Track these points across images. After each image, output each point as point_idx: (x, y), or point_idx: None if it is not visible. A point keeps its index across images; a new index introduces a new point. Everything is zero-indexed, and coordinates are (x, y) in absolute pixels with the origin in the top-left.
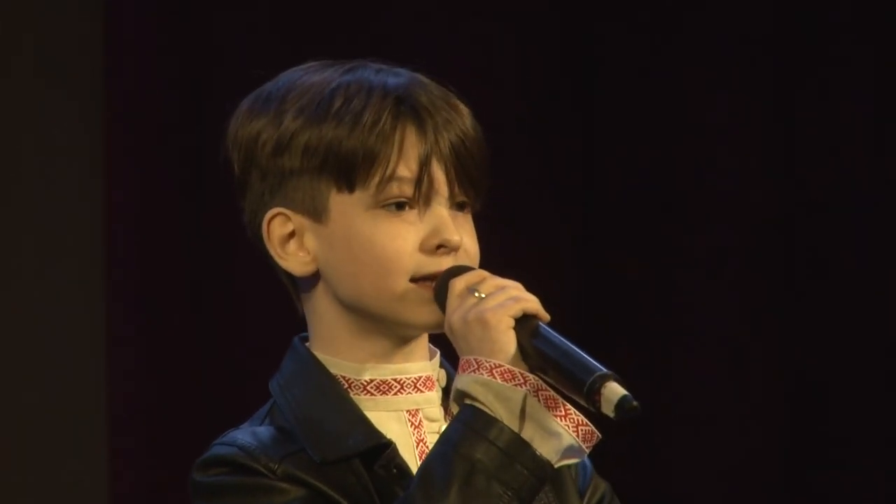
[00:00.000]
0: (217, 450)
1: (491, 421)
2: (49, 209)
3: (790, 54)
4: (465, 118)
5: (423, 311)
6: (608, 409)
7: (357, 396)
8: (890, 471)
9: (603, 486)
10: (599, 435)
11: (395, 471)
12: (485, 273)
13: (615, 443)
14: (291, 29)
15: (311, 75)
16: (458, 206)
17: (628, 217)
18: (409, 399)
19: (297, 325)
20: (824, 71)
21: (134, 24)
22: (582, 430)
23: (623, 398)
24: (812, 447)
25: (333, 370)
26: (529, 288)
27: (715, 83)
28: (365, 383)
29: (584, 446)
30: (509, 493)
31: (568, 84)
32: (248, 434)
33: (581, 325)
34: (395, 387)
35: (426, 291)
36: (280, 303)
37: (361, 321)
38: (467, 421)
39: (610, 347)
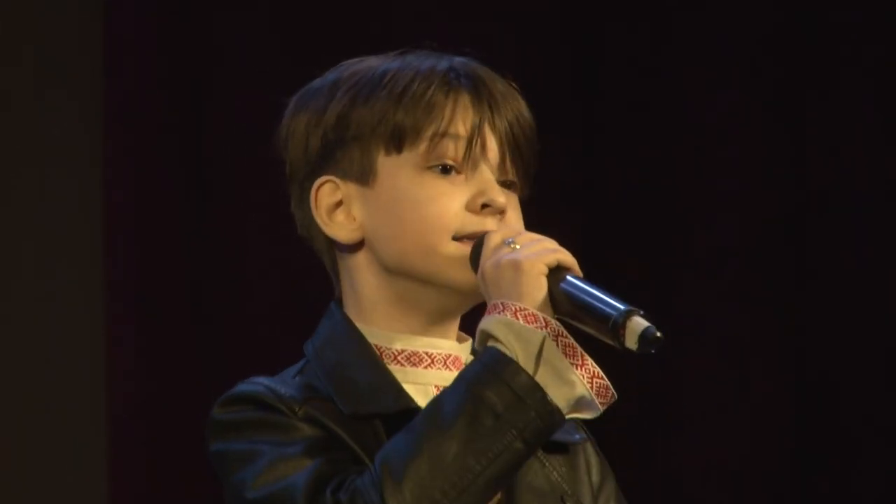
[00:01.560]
0: (241, 387)
1: (507, 361)
2: (49, 209)
3: (791, 54)
4: (520, 101)
5: (462, 273)
6: (632, 342)
7: (389, 366)
8: (893, 470)
9: (612, 485)
10: (615, 393)
11: (395, 433)
12: (520, 229)
13: (616, 442)
14: (291, 29)
15: (358, 65)
16: (505, 185)
17: (629, 217)
18: (438, 375)
19: (297, 326)
20: (826, 70)
21: (134, 24)
22: (597, 382)
23: (647, 329)
24: (816, 447)
25: (368, 338)
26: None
27: (715, 83)
28: (396, 352)
29: (597, 401)
30: (513, 432)
31: (568, 84)
32: (273, 379)
33: None
34: (426, 360)
35: (467, 249)
36: (280, 304)
37: (402, 289)
38: (485, 360)
39: (610, 347)
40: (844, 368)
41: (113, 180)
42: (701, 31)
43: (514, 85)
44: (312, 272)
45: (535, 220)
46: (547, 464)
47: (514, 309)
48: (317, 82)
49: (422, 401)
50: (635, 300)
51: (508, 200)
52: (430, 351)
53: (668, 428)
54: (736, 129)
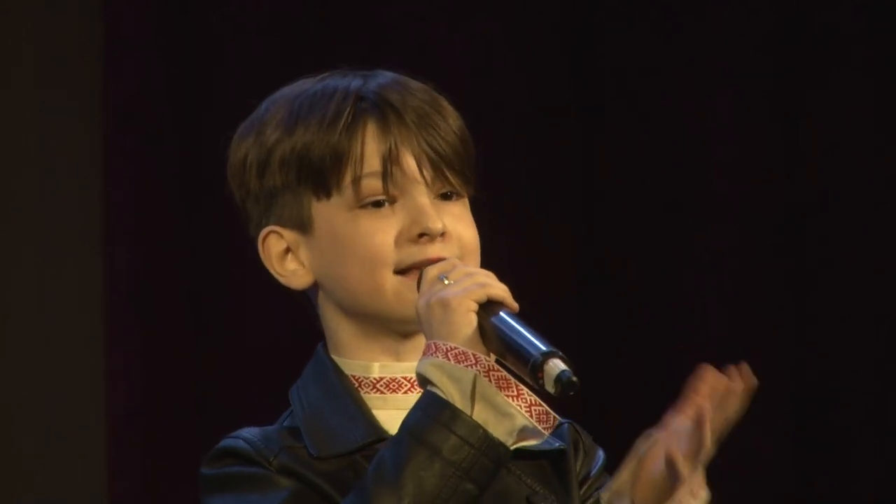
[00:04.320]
0: (224, 443)
1: (443, 404)
2: (49, 209)
3: (791, 54)
4: (443, 111)
5: (410, 305)
6: (549, 385)
7: (367, 395)
8: (893, 469)
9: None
10: (556, 416)
11: None
12: (457, 262)
13: (617, 443)
14: (291, 29)
15: (288, 91)
16: (443, 196)
17: (628, 217)
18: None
19: (296, 325)
20: (825, 70)
21: (134, 24)
22: (535, 409)
23: (561, 373)
24: (815, 447)
25: (346, 370)
26: (529, 289)
27: (715, 83)
28: (374, 381)
29: (540, 427)
30: (458, 474)
31: (568, 83)
32: (255, 430)
33: (582, 325)
34: (405, 385)
35: (411, 281)
36: (278, 304)
37: (363, 323)
38: (422, 405)
39: (611, 348)
40: (844, 368)
41: (113, 180)
42: (700, 31)
43: (434, 92)
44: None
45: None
46: (512, 468)
47: (444, 349)
48: (253, 114)
49: (399, 426)
50: (636, 300)
51: (450, 212)
52: (408, 376)
53: None
54: (736, 129)
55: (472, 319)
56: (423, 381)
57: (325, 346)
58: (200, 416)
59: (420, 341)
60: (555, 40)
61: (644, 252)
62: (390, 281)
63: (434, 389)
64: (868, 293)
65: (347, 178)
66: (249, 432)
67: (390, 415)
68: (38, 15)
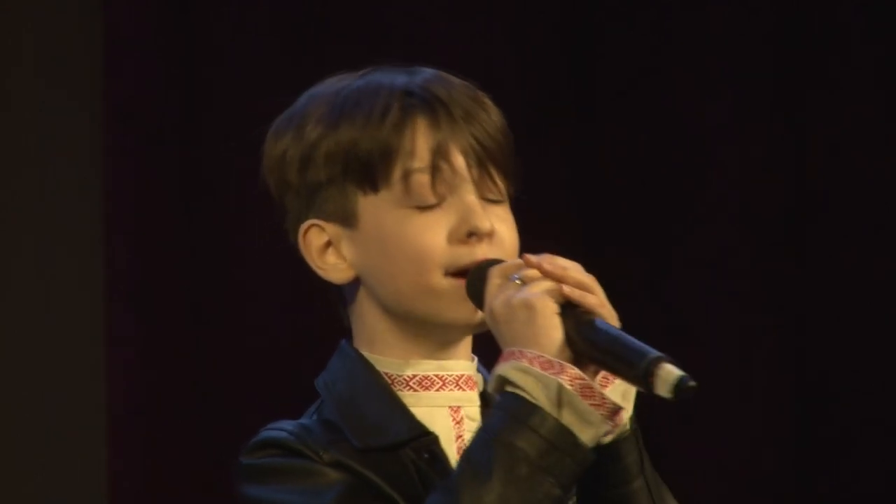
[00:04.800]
0: (267, 434)
1: (532, 408)
2: (49, 208)
3: (791, 54)
4: (488, 109)
5: (461, 308)
6: (664, 391)
7: (400, 392)
8: (893, 470)
9: None
10: (628, 425)
11: (426, 455)
12: (522, 262)
13: None
14: (291, 29)
15: (328, 87)
16: (490, 200)
17: (628, 217)
18: (451, 396)
19: (296, 325)
20: (826, 70)
21: (134, 24)
22: (617, 418)
23: (680, 379)
24: (815, 447)
25: (378, 367)
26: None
27: (715, 82)
28: (407, 378)
29: (616, 431)
30: (550, 480)
31: (568, 83)
32: (296, 424)
33: None
34: (437, 383)
35: (460, 287)
36: (278, 304)
37: (404, 324)
38: (508, 408)
39: None
40: (844, 368)
41: (113, 180)
42: (700, 31)
43: (477, 91)
44: (312, 272)
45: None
46: None
47: (529, 356)
48: (291, 108)
49: (438, 422)
50: (637, 300)
51: (495, 213)
52: (440, 373)
53: (669, 428)
54: (736, 129)
55: (558, 322)
56: (503, 382)
57: (349, 340)
58: (201, 416)
59: (458, 346)
60: (555, 40)
61: (644, 252)
62: (441, 283)
63: (519, 392)
64: (868, 293)
65: (397, 173)
66: (291, 424)
67: (422, 412)
68: (38, 15)
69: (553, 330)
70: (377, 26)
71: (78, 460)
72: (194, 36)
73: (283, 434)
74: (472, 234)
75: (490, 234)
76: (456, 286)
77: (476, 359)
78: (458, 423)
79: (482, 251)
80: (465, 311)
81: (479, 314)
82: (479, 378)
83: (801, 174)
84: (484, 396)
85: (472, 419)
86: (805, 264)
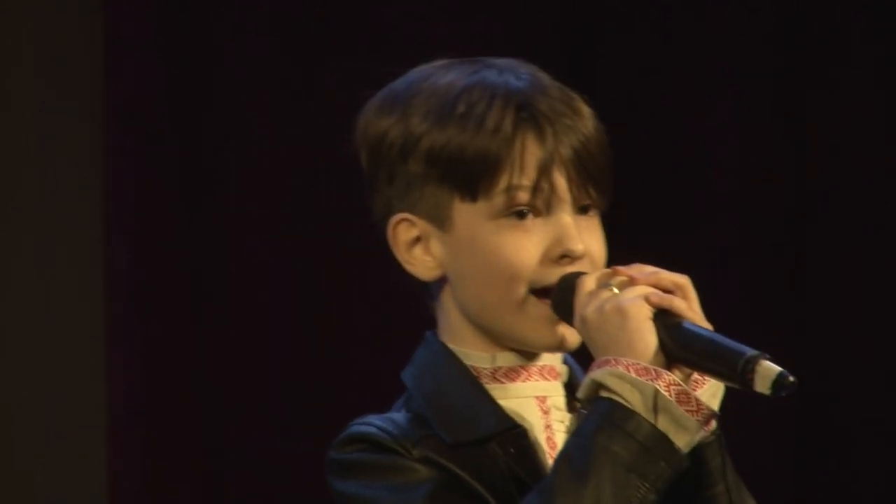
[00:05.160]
0: (356, 428)
1: (629, 414)
2: (49, 209)
3: (791, 54)
4: (586, 120)
5: (542, 330)
6: (764, 387)
7: (487, 385)
8: (893, 470)
9: None
10: (717, 429)
11: (512, 450)
12: (613, 271)
13: None
14: (291, 29)
15: (438, 77)
16: (581, 210)
17: (628, 217)
18: (537, 386)
19: (297, 325)
20: (826, 70)
21: (134, 24)
22: (711, 424)
23: (780, 374)
24: (815, 447)
25: (465, 361)
26: None
27: (715, 82)
28: (493, 371)
29: (708, 437)
30: (646, 486)
31: (568, 83)
32: (384, 419)
33: None
34: (523, 374)
35: (545, 308)
36: (279, 302)
37: (485, 331)
38: (604, 413)
39: None
40: (844, 368)
41: (113, 180)
42: (700, 31)
43: (578, 100)
44: (312, 272)
45: None
46: None
47: (625, 363)
48: (397, 87)
49: (525, 412)
50: None
51: (586, 228)
52: (524, 364)
53: None
54: (736, 129)
55: (651, 328)
56: (597, 387)
57: (436, 334)
58: (201, 416)
59: (539, 359)
60: (555, 40)
61: (644, 252)
62: (524, 298)
63: (615, 398)
64: (868, 293)
65: (500, 186)
66: (379, 419)
67: (511, 403)
68: (38, 15)
69: (647, 335)
70: (377, 26)
71: (78, 460)
72: (194, 36)
73: (372, 429)
74: (565, 257)
75: (582, 257)
76: (539, 305)
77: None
78: (545, 412)
79: (570, 270)
80: (546, 336)
81: (559, 337)
82: (563, 370)
83: (801, 174)
84: (569, 388)
85: (559, 409)
86: (805, 264)
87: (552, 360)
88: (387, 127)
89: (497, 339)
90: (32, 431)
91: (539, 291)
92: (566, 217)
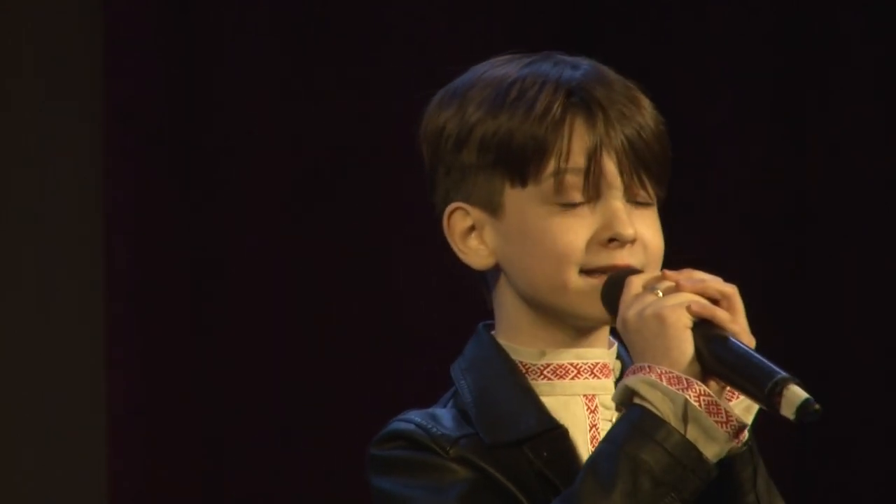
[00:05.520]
0: (395, 426)
1: (659, 423)
2: (49, 209)
3: (791, 54)
4: (644, 111)
5: (594, 306)
6: (789, 412)
7: (535, 382)
8: (893, 470)
9: None
10: (750, 440)
11: (545, 454)
12: (662, 275)
13: None
14: (291, 29)
15: (496, 69)
16: (637, 203)
17: None
18: (586, 384)
19: (296, 325)
20: (826, 70)
21: (134, 24)
22: (742, 436)
23: (805, 401)
24: (814, 448)
25: (513, 356)
26: None
27: (715, 82)
28: (542, 368)
29: (738, 448)
30: (672, 495)
31: None
32: (426, 415)
33: None
34: (572, 371)
35: (597, 283)
36: (279, 302)
37: (541, 314)
38: (634, 421)
39: None
40: (844, 368)
41: (113, 180)
42: (700, 31)
43: (637, 91)
44: (312, 272)
45: None
46: None
47: (658, 371)
48: (457, 82)
49: (572, 411)
50: None
51: (640, 218)
52: (575, 362)
53: None
54: (736, 129)
55: (689, 337)
56: (630, 394)
57: (486, 326)
58: (201, 416)
59: (595, 334)
60: (555, 40)
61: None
62: (575, 281)
63: (647, 406)
64: (868, 293)
65: (549, 170)
66: (420, 416)
67: (557, 401)
68: (38, 15)
69: (684, 343)
70: (377, 26)
71: (78, 460)
72: (194, 36)
73: (411, 427)
74: (614, 240)
75: (633, 241)
76: (591, 285)
77: (616, 344)
78: (592, 411)
79: (622, 256)
80: (596, 309)
81: (607, 315)
82: (616, 365)
83: (801, 174)
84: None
85: (607, 407)
86: (805, 264)
87: (607, 358)
88: (444, 120)
89: (551, 320)
90: (32, 431)
91: (588, 271)
92: (616, 202)
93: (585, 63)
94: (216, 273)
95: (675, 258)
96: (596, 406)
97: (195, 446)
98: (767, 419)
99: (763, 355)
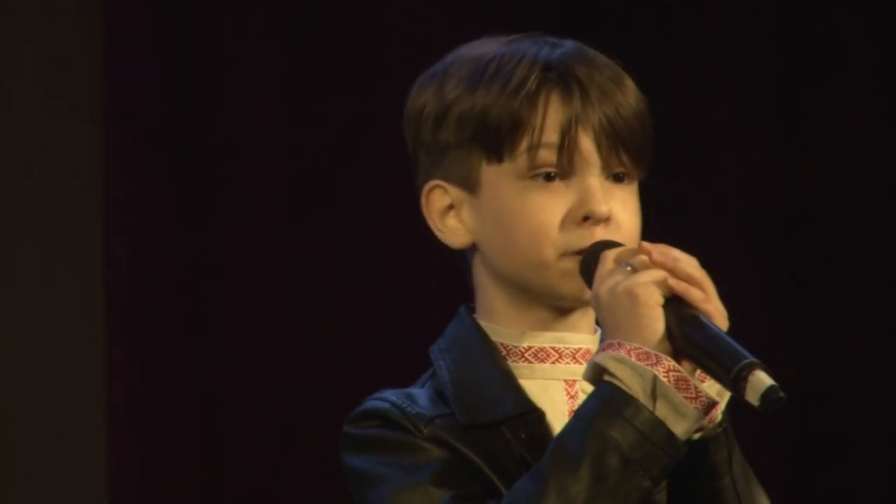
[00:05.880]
0: (370, 404)
1: (628, 399)
2: (49, 209)
3: (791, 54)
4: (626, 90)
5: (572, 283)
6: (753, 398)
7: (515, 364)
8: (893, 470)
9: None
10: (724, 422)
11: (523, 436)
12: (637, 249)
13: None
14: (291, 29)
15: (476, 48)
16: (615, 178)
17: None
18: (567, 369)
19: (296, 325)
20: (826, 70)
21: (134, 24)
22: (712, 413)
23: (770, 388)
24: (814, 448)
25: (494, 337)
26: None
27: (715, 82)
28: (523, 350)
29: (710, 427)
30: (641, 473)
31: None
32: (402, 394)
33: None
34: (553, 355)
35: (574, 264)
36: (278, 302)
37: (518, 292)
38: (603, 398)
39: None
40: (844, 368)
41: (113, 180)
42: (700, 31)
43: (619, 71)
44: (311, 272)
45: None
46: None
47: (628, 347)
48: (438, 65)
49: (552, 395)
50: None
51: (617, 196)
52: (557, 346)
53: None
54: (736, 129)
55: (660, 314)
56: (600, 371)
57: (468, 308)
58: (201, 416)
59: (577, 317)
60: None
61: None
62: (554, 260)
63: (615, 382)
64: (868, 293)
65: (523, 146)
66: (395, 395)
67: (537, 385)
68: (38, 15)
69: (654, 321)
70: (377, 26)
71: (78, 460)
72: (194, 36)
73: (386, 405)
74: (589, 218)
75: (607, 219)
76: (569, 264)
77: (599, 331)
78: (572, 397)
79: (598, 234)
80: (577, 287)
81: (589, 292)
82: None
83: (801, 174)
84: None
85: (587, 393)
86: (805, 264)
87: (590, 343)
88: (424, 101)
89: (529, 300)
90: (32, 431)
91: (571, 254)
92: (592, 179)
93: (569, 42)
94: (216, 273)
95: None
96: (576, 392)
97: (195, 446)
98: (764, 420)
99: (735, 339)
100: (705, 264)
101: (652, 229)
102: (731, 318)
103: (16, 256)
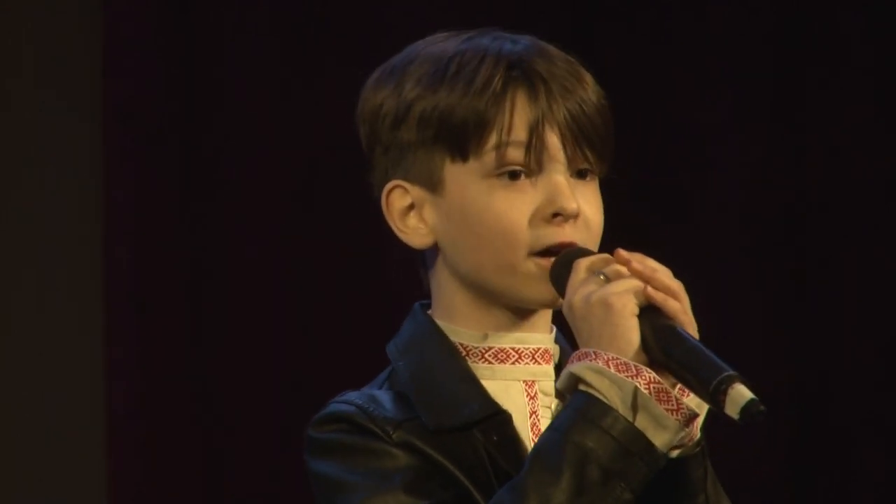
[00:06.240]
0: (335, 407)
1: (605, 409)
2: (49, 209)
3: (791, 53)
4: (586, 86)
5: (541, 288)
6: (733, 411)
7: (475, 364)
8: (892, 470)
9: None
10: (702, 441)
11: (495, 438)
12: (610, 258)
13: None
14: (291, 29)
15: (433, 46)
16: (579, 174)
17: (627, 217)
18: (527, 370)
19: (296, 325)
20: (825, 70)
21: (134, 24)
22: (693, 424)
23: (750, 402)
24: (814, 448)
25: (453, 338)
26: None
27: (715, 82)
28: (483, 351)
29: (692, 441)
30: (621, 484)
31: None
32: (365, 396)
33: None
34: (514, 356)
35: (546, 265)
36: (278, 302)
37: (480, 293)
38: (580, 408)
39: None
40: (844, 368)
41: (113, 180)
42: (700, 31)
43: (578, 66)
44: (312, 272)
45: None
46: None
47: (605, 358)
48: (393, 61)
49: (511, 396)
50: None
51: (582, 193)
52: (517, 346)
53: None
54: (736, 129)
55: (635, 324)
56: (575, 381)
57: (423, 306)
58: (201, 416)
59: (537, 317)
60: (555, 40)
61: (643, 252)
62: (524, 264)
63: (592, 392)
64: (868, 293)
65: (490, 144)
66: (360, 397)
67: (498, 385)
68: (38, 15)
69: (629, 331)
70: (377, 26)
71: (78, 460)
72: (194, 36)
73: (352, 409)
74: (558, 215)
75: (576, 216)
76: (538, 267)
77: (555, 329)
78: (531, 397)
79: (567, 232)
80: (543, 292)
81: (554, 294)
82: (556, 349)
83: (801, 174)
84: (559, 370)
85: (546, 394)
86: (805, 264)
87: (548, 343)
88: (382, 99)
89: (491, 302)
90: (32, 431)
91: (537, 253)
92: (559, 176)
93: (526, 38)
94: (216, 273)
95: (675, 258)
96: (536, 392)
97: (195, 446)
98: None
99: (713, 351)
100: (705, 264)
101: (652, 229)
102: (730, 318)
103: (16, 257)
